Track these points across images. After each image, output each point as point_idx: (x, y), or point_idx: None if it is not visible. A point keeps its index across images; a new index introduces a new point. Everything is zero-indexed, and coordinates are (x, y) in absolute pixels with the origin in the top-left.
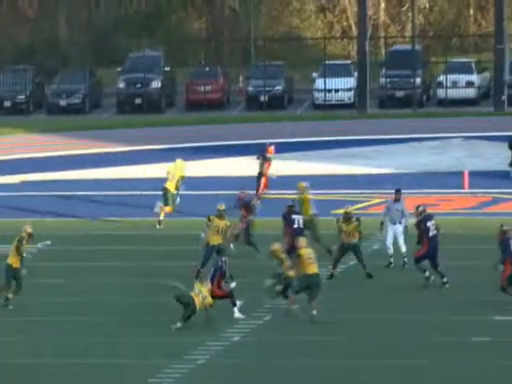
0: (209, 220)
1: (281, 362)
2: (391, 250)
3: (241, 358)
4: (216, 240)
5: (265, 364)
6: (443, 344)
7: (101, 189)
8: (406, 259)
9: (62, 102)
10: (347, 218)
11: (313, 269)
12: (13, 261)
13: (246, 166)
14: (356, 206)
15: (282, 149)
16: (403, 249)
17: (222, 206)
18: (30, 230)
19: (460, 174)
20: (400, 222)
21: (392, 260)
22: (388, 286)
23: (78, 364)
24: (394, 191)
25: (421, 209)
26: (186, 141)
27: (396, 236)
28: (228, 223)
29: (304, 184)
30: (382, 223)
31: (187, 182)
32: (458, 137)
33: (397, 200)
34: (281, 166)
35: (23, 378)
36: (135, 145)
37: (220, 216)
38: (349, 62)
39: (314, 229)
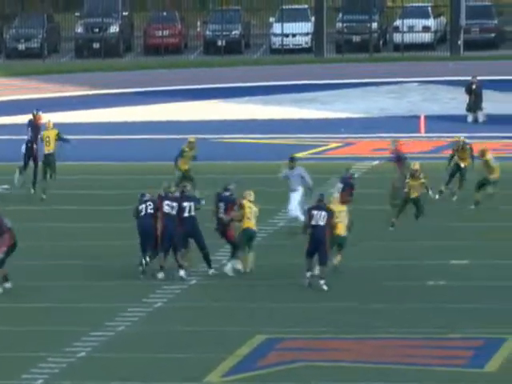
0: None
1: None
2: (296, 213)
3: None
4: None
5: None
6: None
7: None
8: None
9: (21, 47)
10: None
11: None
12: None
13: (204, 110)
14: (312, 151)
15: (241, 93)
16: (301, 217)
17: (416, 165)
18: None
19: (417, 118)
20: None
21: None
22: None
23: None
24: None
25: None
26: (144, 85)
27: (296, 201)
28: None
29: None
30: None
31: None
32: (414, 81)
33: (291, 168)
34: (239, 110)
35: None
36: (93, 89)
37: (413, 176)
38: (306, 6)
39: None
